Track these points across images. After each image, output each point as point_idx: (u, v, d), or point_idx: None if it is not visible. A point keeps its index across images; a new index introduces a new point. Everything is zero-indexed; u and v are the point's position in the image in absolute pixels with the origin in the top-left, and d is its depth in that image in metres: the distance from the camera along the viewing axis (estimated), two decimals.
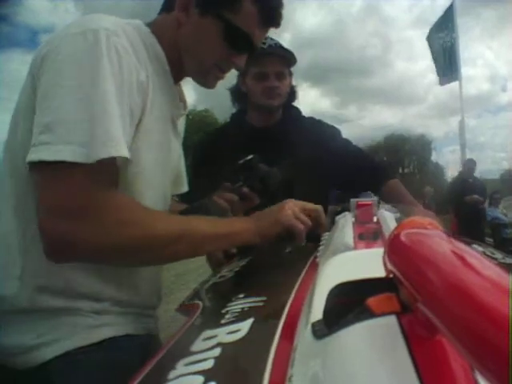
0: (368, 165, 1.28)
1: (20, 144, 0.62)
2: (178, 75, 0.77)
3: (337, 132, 1.35)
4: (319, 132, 1.29)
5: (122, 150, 0.57)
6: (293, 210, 0.73)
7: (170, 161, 0.77)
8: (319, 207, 0.78)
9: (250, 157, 0.97)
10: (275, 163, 1.11)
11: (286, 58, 1.22)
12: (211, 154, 1.25)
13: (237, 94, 1.32)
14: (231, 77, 1.29)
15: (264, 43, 1.17)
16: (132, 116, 0.61)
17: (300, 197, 1.13)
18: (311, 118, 1.37)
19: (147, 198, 0.67)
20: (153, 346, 0.73)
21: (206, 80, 0.77)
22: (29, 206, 0.63)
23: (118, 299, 0.69)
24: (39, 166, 0.55)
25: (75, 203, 0.55)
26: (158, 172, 0.72)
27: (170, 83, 0.74)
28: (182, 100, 0.83)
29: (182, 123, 0.87)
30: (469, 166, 5.93)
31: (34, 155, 0.54)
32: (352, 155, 1.28)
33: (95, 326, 0.65)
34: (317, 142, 1.21)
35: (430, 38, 8.72)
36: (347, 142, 1.35)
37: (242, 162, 0.94)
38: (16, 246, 0.64)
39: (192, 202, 0.98)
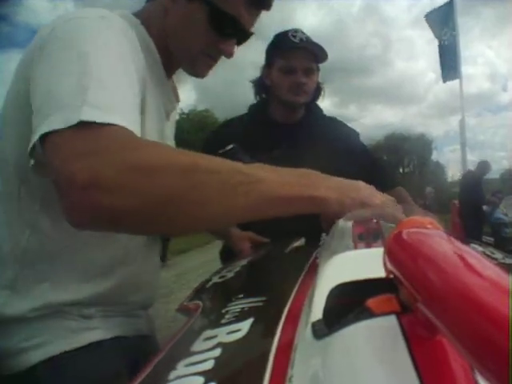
0: (378, 172, 1.27)
1: (10, 147, 0.60)
2: (169, 67, 0.75)
3: (356, 135, 1.34)
4: (340, 133, 1.26)
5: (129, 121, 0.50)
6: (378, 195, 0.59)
7: None
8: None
9: (229, 147, 0.96)
10: (293, 160, 1.11)
11: (315, 53, 1.18)
12: (226, 144, 1.23)
13: (260, 86, 1.28)
14: (254, 69, 1.27)
15: (294, 36, 1.14)
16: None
17: None
18: (332, 118, 1.35)
19: None
20: (145, 347, 0.73)
21: (195, 68, 0.74)
22: (22, 213, 0.62)
23: (105, 302, 0.68)
24: (49, 138, 0.47)
25: (97, 143, 0.46)
26: None
27: (162, 76, 0.72)
28: (175, 93, 0.82)
29: (173, 118, 0.86)
30: (482, 167, 5.88)
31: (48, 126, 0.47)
32: (366, 161, 1.27)
33: (82, 330, 0.65)
34: (337, 144, 1.19)
35: (434, 32, 8.66)
36: (363, 146, 1.34)
37: (221, 151, 0.93)
38: (8, 255, 0.63)
39: None
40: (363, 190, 0.59)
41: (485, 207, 6.29)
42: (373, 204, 0.57)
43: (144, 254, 0.75)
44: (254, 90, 1.30)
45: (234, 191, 0.48)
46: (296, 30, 1.17)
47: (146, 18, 0.70)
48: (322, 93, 1.30)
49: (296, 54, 1.16)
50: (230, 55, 0.73)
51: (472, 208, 5.47)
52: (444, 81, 8.62)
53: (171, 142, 0.82)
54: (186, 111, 24.34)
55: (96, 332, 0.66)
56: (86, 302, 0.65)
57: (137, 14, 0.71)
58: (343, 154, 1.17)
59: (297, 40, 1.14)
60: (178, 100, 0.82)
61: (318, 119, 1.28)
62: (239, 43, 0.75)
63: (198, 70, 0.74)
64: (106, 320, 0.68)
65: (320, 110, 1.32)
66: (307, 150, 1.16)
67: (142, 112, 0.64)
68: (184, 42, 0.71)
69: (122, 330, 0.70)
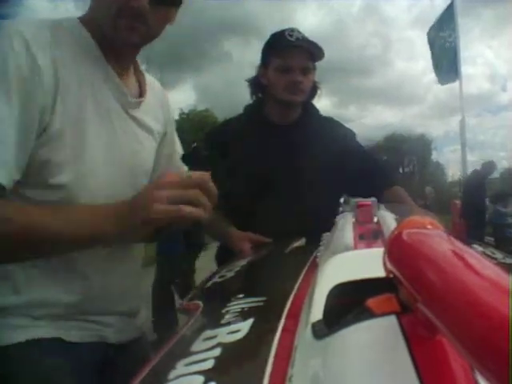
0: (376, 172, 1.25)
1: None
2: (119, 60, 0.73)
3: (353, 135, 1.33)
4: (337, 134, 1.26)
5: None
6: (163, 196, 0.59)
7: (122, 156, 0.72)
8: (204, 174, 0.62)
9: (193, 145, 0.97)
10: (290, 161, 1.11)
11: (312, 52, 1.17)
12: (221, 146, 1.19)
13: (256, 85, 1.27)
14: (253, 69, 1.27)
15: (291, 35, 1.14)
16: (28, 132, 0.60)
17: (311, 198, 1.13)
18: (329, 118, 1.34)
19: (89, 202, 0.65)
20: (106, 354, 0.74)
21: (119, 36, 0.68)
22: None
23: (52, 302, 0.68)
24: None
25: None
26: (101, 173, 0.68)
27: (108, 71, 0.71)
28: (142, 85, 0.79)
29: (156, 109, 0.82)
30: (488, 167, 5.85)
31: None
32: (364, 160, 1.25)
33: (22, 326, 0.66)
34: (334, 144, 1.19)
35: (429, 36, 8.69)
36: (360, 146, 1.33)
37: (186, 152, 0.94)
38: None
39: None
40: (152, 199, 0.59)
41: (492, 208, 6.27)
42: (154, 216, 0.59)
43: (106, 265, 0.73)
44: (249, 90, 1.28)
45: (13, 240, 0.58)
46: (292, 29, 1.16)
47: (89, 18, 0.70)
48: (319, 92, 1.29)
49: (292, 53, 1.15)
50: (142, 9, 0.66)
51: (474, 208, 5.46)
52: (442, 83, 8.59)
53: (142, 137, 0.78)
54: (185, 111, 24.39)
55: (37, 330, 0.66)
56: (28, 298, 0.66)
57: (82, 17, 0.71)
58: (341, 154, 1.17)
59: (293, 39, 1.14)
60: (143, 93, 0.78)
61: (314, 119, 1.28)
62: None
63: (122, 35, 0.68)
64: (50, 320, 0.68)
65: (316, 110, 1.31)
66: (304, 151, 1.16)
67: (80, 115, 0.65)
68: (100, 12, 0.68)
69: (73, 333, 0.69)
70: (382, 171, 1.30)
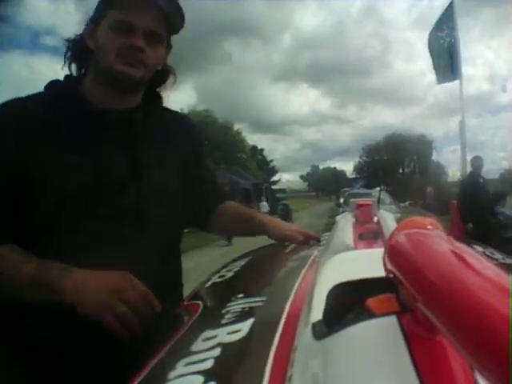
0: (205, 185, 0.97)
1: None
2: None
3: (201, 138, 1.08)
4: (183, 133, 0.96)
5: None
6: None
7: None
8: None
9: None
10: (123, 159, 0.80)
11: (167, 13, 0.81)
12: (21, 130, 0.76)
13: (78, 49, 0.86)
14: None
15: None
16: None
17: (152, 216, 0.78)
18: (176, 113, 1.01)
19: None
20: None
21: None
22: None
23: None
24: None
25: None
26: None
27: None
28: None
29: None
30: (477, 163, 5.89)
31: None
32: (199, 170, 0.97)
33: None
34: (178, 146, 0.91)
35: (430, 37, 8.72)
36: (203, 152, 1.04)
37: None
38: None
39: None
40: None
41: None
42: None
43: None
44: (66, 57, 0.85)
45: None
46: None
47: None
48: (173, 80, 0.91)
49: (137, 6, 0.79)
50: None
51: (479, 210, 5.44)
52: (439, 82, 8.62)
53: None
54: (186, 111, 24.42)
55: None
56: None
57: None
58: (180, 161, 0.89)
59: None
60: None
61: (156, 112, 0.91)
62: None
63: None
64: None
65: (161, 102, 0.94)
66: (137, 150, 0.83)
67: None
68: None
69: None
70: (215, 186, 1.02)
